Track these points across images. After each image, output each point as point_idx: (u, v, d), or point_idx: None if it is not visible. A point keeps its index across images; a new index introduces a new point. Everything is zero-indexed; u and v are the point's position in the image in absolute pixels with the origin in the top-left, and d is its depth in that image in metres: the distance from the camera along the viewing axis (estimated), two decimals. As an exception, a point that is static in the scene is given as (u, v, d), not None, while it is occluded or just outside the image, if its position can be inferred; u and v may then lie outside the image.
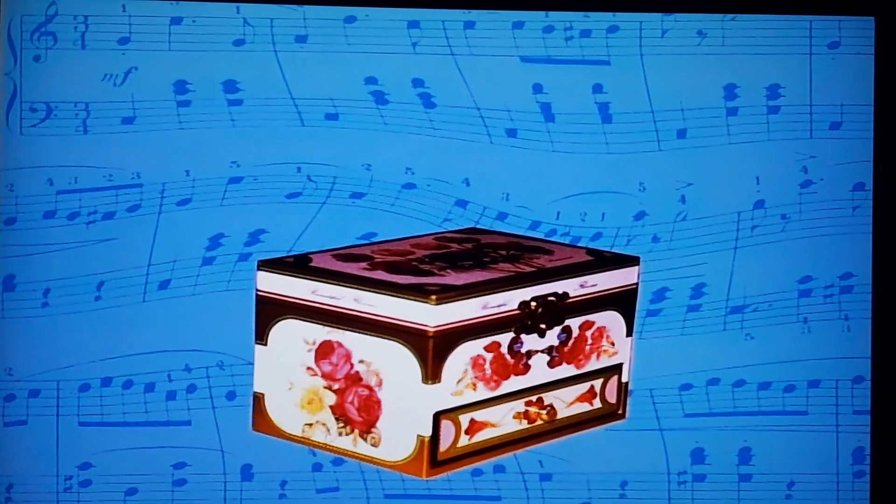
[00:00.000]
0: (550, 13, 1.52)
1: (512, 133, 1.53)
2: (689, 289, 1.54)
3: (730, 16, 1.53)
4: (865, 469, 1.54)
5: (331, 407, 1.45)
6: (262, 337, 1.48)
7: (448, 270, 1.46)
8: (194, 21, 1.49)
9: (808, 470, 1.54)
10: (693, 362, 1.53)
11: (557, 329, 1.49)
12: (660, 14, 1.53)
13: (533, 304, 1.46)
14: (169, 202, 1.49)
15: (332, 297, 1.43)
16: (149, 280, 1.49)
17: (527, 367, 1.47)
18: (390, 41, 1.51)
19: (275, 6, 1.50)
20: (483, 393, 1.43)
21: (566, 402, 1.52)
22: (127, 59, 1.49)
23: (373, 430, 1.42)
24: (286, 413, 1.47)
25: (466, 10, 1.52)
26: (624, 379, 1.55)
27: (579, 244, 1.54)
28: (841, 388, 1.54)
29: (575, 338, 1.51)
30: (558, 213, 1.53)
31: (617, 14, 1.53)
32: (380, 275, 1.43)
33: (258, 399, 1.49)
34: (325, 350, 1.44)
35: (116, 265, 1.49)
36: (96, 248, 1.49)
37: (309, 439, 1.47)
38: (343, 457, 1.45)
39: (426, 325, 1.38)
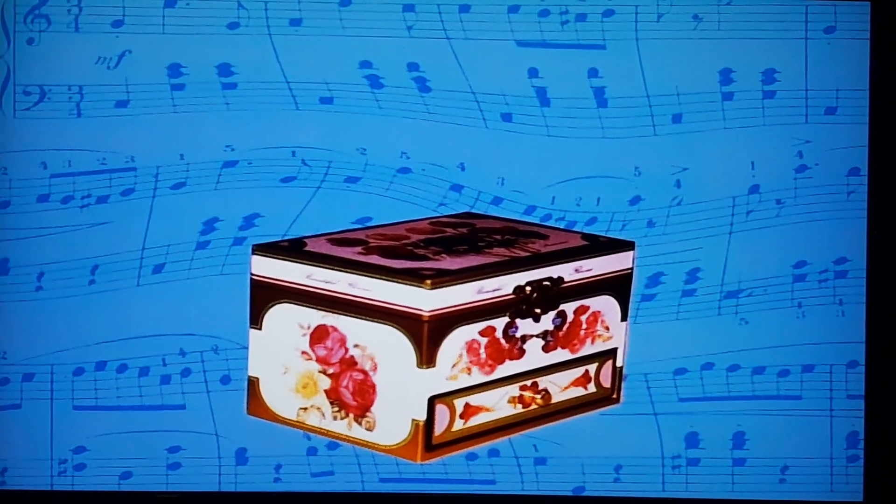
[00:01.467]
0: (546, -3, 1.52)
1: (507, 117, 1.53)
2: (683, 273, 1.54)
3: (725, 0, 1.53)
4: (859, 453, 1.54)
5: (325, 391, 1.44)
6: (256, 321, 1.47)
7: (443, 255, 1.46)
8: (188, 4, 1.49)
9: (802, 454, 1.54)
10: (687, 347, 1.53)
11: (552, 314, 1.48)
12: (655, -2, 1.53)
13: (528, 288, 1.46)
14: (163, 186, 1.49)
15: (326, 282, 1.43)
16: (143, 264, 1.49)
17: (521, 352, 1.46)
18: (385, 25, 1.51)
19: (269, -11, 1.50)
20: (478, 377, 1.43)
21: (561, 387, 1.51)
22: (121, 42, 1.48)
23: (367, 414, 1.42)
24: (281, 397, 1.47)
25: (462, -6, 1.52)
26: (618, 363, 1.55)
27: (574, 229, 1.54)
28: (835, 372, 1.54)
29: (570, 322, 1.50)
30: (553, 197, 1.53)
31: (612, -2, 1.53)
32: (375, 259, 1.43)
33: (253, 383, 1.49)
34: (319, 334, 1.44)
35: (110, 249, 1.48)
36: (90, 232, 1.48)
37: (304, 423, 1.46)
38: (338, 441, 1.45)
39: (421, 310, 1.38)
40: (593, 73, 1.53)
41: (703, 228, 1.54)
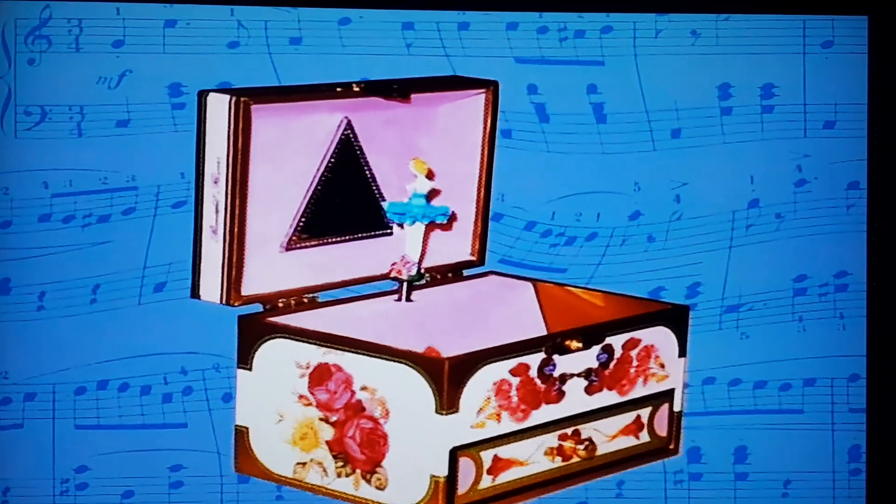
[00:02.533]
0: (544, 14, 1.53)
1: (507, 133, 1.53)
2: (684, 288, 1.54)
3: (723, 15, 1.54)
4: (861, 467, 1.54)
5: (328, 442, 1.31)
6: (245, 360, 1.36)
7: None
8: (188, 24, 1.49)
9: (805, 468, 1.54)
10: (689, 361, 1.53)
11: (597, 348, 1.36)
12: (653, 14, 1.53)
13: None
14: (164, 204, 1.49)
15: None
16: (144, 283, 1.49)
17: (560, 394, 1.32)
18: (385, 42, 1.51)
19: (269, 8, 1.50)
20: (508, 425, 1.28)
21: (608, 436, 1.38)
22: (121, 61, 1.49)
23: (378, 469, 1.28)
24: (274, 450, 1.35)
25: (460, 12, 1.52)
26: (676, 407, 1.43)
27: (574, 244, 1.54)
28: (836, 386, 1.54)
29: (618, 359, 1.38)
30: (553, 213, 1.54)
31: (611, 14, 1.53)
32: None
33: (241, 434, 1.36)
34: (320, 375, 1.31)
35: (112, 268, 1.48)
36: (91, 251, 1.48)
37: (302, 482, 1.32)
38: (343, 502, 1.31)
39: (441, 345, 1.31)
40: (592, 88, 1.53)
41: (703, 243, 1.54)
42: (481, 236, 1.40)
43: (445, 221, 1.39)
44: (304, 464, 1.33)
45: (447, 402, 1.21)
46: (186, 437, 1.50)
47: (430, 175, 1.37)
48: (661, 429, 1.40)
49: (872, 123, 1.54)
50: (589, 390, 1.34)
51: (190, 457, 1.50)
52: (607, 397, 1.36)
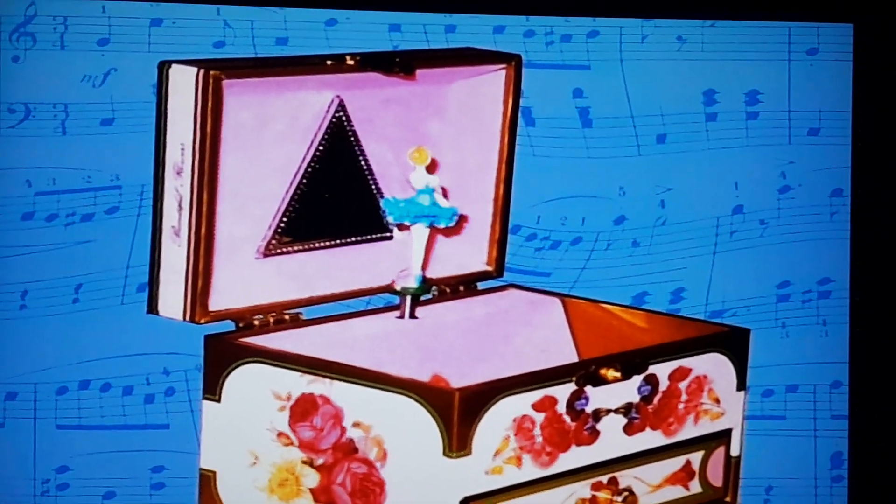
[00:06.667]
0: (531, 18, 1.53)
1: (492, 137, 1.53)
2: (668, 293, 1.54)
3: (709, 22, 1.54)
4: (843, 474, 1.54)
5: (312, 490, 1.11)
6: (213, 389, 1.15)
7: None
8: (174, 23, 1.49)
9: (787, 475, 1.54)
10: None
11: (638, 379, 1.16)
12: (640, 19, 1.54)
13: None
14: (148, 204, 1.48)
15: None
16: (127, 282, 1.48)
17: (594, 434, 1.13)
18: (371, 44, 1.51)
19: (255, 8, 1.50)
20: (531, 470, 1.09)
21: (651, 485, 1.18)
22: (106, 60, 1.48)
23: (372, 524, 1.08)
24: (247, 499, 1.16)
25: (447, 14, 1.52)
26: (734, 451, 1.23)
27: (559, 248, 1.54)
28: (819, 392, 1.54)
29: (663, 392, 1.18)
30: (539, 217, 1.54)
31: (597, 19, 1.53)
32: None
33: (206, 480, 1.16)
34: (304, 408, 1.11)
35: (95, 267, 1.48)
36: (75, 250, 1.48)
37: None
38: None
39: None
40: (578, 93, 1.53)
41: (688, 248, 1.54)
42: (499, 243, 1.21)
43: (450, 226, 1.21)
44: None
45: (457, 442, 1.03)
46: (168, 438, 1.49)
47: (431, 167, 1.18)
48: (716, 477, 1.21)
49: (856, 131, 1.55)
50: (628, 430, 1.17)
51: (172, 458, 1.49)
52: (650, 438, 1.18)
